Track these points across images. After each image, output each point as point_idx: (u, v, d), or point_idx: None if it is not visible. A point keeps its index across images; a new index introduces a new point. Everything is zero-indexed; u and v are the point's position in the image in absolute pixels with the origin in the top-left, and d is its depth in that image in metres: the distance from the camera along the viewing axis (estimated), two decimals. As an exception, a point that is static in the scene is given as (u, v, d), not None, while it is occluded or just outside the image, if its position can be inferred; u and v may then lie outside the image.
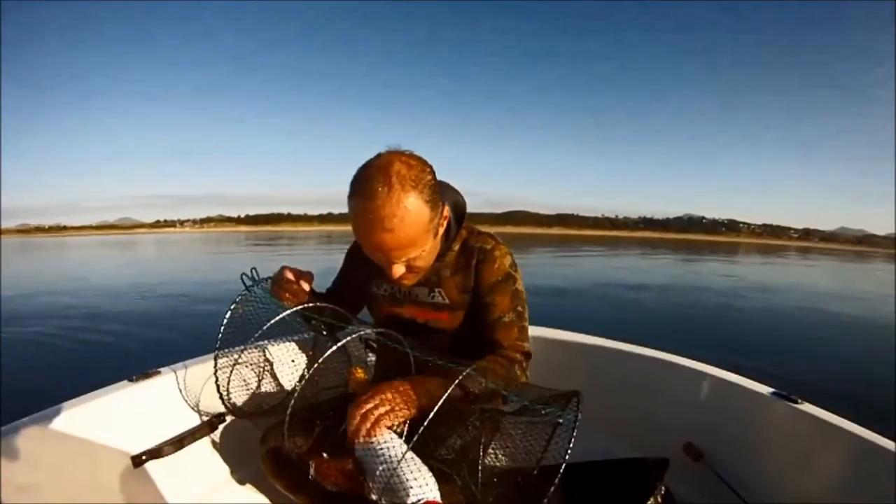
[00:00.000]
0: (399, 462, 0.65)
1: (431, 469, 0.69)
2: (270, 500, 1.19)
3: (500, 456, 0.76)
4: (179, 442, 1.07)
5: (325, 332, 0.96)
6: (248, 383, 1.10)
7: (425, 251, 0.84)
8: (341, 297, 1.06)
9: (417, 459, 0.69)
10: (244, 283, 0.92)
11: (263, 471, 0.96)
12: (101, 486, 0.96)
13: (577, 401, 0.65)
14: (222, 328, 0.92)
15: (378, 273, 0.95)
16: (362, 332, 0.79)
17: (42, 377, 3.85)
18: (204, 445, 1.14)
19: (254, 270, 0.93)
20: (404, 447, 0.69)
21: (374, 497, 0.66)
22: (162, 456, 1.04)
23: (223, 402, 0.98)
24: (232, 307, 0.92)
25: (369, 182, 0.75)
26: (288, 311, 0.87)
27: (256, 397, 1.09)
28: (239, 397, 1.04)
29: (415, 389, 0.76)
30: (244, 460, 1.20)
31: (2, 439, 0.83)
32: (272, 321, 0.88)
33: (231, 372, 1.02)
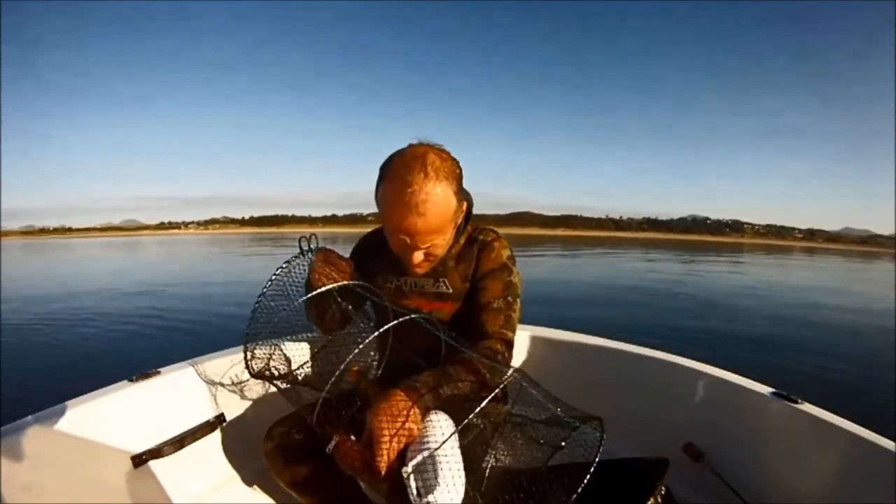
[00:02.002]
0: (437, 449, 0.64)
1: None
2: (271, 499, 1.19)
3: (502, 459, 0.75)
4: (180, 442, 1.08)
5: (354, 309, 0.95)
6: (279, 350, 1.06)
7: (445, 240, 0.88)
8: None
9: (459, 465, 0.67)
10: (300, 248, 0.89)
11: (266, 468, 0.96)
12: (101, 485, 0.96)
13: (601, 431, 0.61)
14: (268, 284, 0.86)
15: (385, 268, 1.00)
16: (413, 317, 0.78)
17: (42, 377, 3.86)
18: (204, 445, 1.15)
19: (313, 236, 0.91)
20: (448, 439, 0.67)
21: (405, 475, 0.65)
22: (162, 456, 1.04)
23: (246, 364, 0.94)
24: (284, 265, 0.88)
25: (406, 168, 0.79)
26: (339, 284, 0.86)
27: (284, 365, 1.06)
28: (263, 362, 1.00)
29: (412, 398, 0.72)
30: (245, 460, 1.20)
31: (3, 439, 0.84)
32: (326, 287, 0.85)
33: (264, 335, 0.98)
